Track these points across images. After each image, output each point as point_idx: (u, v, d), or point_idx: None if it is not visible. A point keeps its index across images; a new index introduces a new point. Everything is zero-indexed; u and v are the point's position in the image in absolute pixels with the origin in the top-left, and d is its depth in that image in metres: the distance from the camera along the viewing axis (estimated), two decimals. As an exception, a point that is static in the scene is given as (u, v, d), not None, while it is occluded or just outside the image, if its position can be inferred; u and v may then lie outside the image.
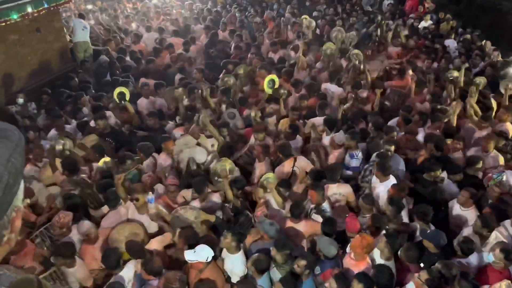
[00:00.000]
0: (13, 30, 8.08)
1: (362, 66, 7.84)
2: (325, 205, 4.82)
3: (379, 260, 4.12)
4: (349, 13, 12.41)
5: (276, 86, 7.21)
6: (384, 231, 4.39)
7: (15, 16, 7.60)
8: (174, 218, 4.55)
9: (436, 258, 4.06)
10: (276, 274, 4.04)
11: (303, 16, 10.82)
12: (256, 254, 4.06)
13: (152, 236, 4.60)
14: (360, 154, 5.68)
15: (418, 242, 4.33)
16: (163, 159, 5.68)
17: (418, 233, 4.54)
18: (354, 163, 5.66)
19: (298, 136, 6.21)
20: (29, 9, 7.82)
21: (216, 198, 4.99)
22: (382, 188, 5.06)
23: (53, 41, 9.16)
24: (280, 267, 4.02)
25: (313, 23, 10.17)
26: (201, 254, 3.87)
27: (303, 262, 3.86)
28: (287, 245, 4.02)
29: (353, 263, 4.12)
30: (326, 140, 6.05)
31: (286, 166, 5.49)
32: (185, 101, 6.96)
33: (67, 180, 5.24)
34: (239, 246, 4.16)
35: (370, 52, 9.27)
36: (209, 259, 3.90)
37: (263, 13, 12.75)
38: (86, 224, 4.46)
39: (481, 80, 7.15)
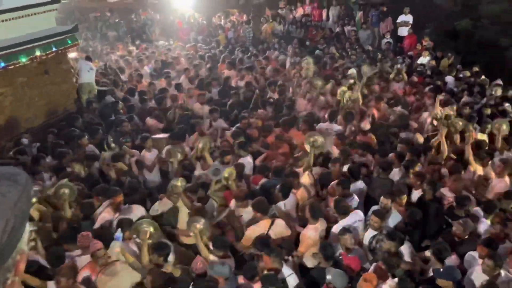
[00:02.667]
0: (21, 73, 8.28)
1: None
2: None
3: None
4: (348, 52, 12.69)
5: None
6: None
7: (24, 59, 7.85)
8: None
9: None
10: None
11: (307, 57, 11.10)
12: None
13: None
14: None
15: (430, 280, 4.22)
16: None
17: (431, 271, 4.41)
18: None
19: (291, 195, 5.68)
20: (38, 53, 8.08)
21: None
22: None
23: (60, 82, 9.37)
24: None
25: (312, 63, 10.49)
26: None
27: None
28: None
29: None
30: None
31: (261, 227, 4.96)
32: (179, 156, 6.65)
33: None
34: None
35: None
36: None
37: (265, 53, 13.07)
38: None
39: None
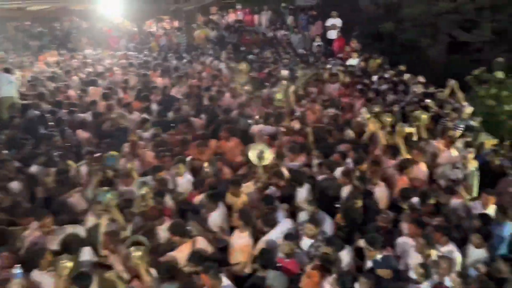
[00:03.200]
0: None
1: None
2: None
3: None
4: (281, 56, 12.92)
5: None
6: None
7: None
8: None
9: (392, 283, 4.20)
10: None
11: (242, 62, 11.13)
12: None
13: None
14: None
15: (371, 272, 4.36)
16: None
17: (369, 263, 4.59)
18: None
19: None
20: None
21: None
22: None
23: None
24: None
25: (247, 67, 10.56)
26: None
27: None
28: None
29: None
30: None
31: (182, 252, 4.70)
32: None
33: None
34: None
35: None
36: None
37: (199, 59, 12.95)
38: None
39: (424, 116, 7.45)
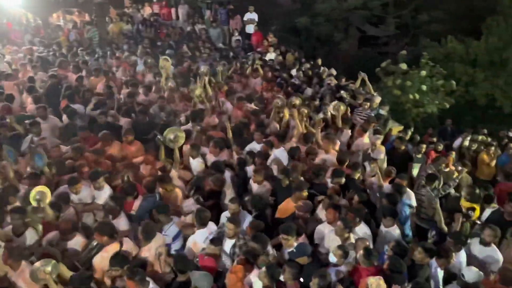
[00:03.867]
0: None
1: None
2: None
3: None
4: (201, 50, 12.75)
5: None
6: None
7: None
8: None
9: (312, 267, 4.32)
10: None
11: (163, 57, 10.72)
12: None
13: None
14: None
15: (293, 261, 4.44)
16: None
17: (287, 254, 4.69)
18: None
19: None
20: None
21: None
22: None
23: None
24: None
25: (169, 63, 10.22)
26: None
27: None
28: None
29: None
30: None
31: (109, 251, 4.46)
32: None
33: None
34: None
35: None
36: None
37: (114, 54, 12.29)
38: None
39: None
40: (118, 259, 4.22)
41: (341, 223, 4.85)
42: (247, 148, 6.78)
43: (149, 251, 4.64)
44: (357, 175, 6.16)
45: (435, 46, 14.58)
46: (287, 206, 5.48)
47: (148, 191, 5.62)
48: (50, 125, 7.53)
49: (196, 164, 6.47)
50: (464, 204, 5.82)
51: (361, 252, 4.43)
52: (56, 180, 5.91)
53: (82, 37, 14.45)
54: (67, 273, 4.24)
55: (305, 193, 5.48)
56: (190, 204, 5.54)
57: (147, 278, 4.11)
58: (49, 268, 4.06)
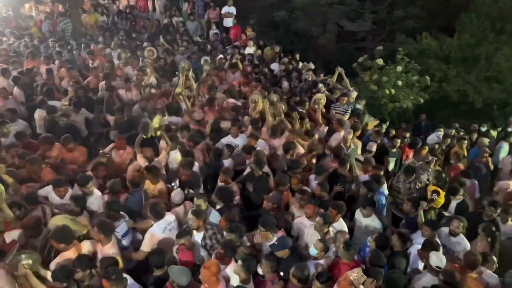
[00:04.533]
0: None
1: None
2: None
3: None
4: (179, 43, 12.58)
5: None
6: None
7: None
8: None
9: (291, 261, 4.35)
10: None
11: (148, 48, 10.51)
12: None
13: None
14: None
15: (271, 255, 4.48)
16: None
17: (265, 246, 4.72)
18: None
19: None
20: None
21: None
22: None
23: None
24: None
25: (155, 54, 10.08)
26: None
27: None
28: None
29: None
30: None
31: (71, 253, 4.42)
32: None
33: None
34: None
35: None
36: None
37: (89, 46, 11.99)
38: None
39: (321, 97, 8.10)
40: (83, 261, 4.15)
41: (321, 219, 4.89)
42: (225, 141, 6.83)
43: (114, 247, 4.58)
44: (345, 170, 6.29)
45: (410, 42, 14.83)
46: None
47: (133, 185, 5.59)
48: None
49: (175, 156, 6.45)
50: (431, 187, 6.14)
51: (341, 245, 4.48)
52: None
53: (55, 29, 14.06)
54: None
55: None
56: (178, 194, 5.50)
57: (124, 275, 4.06)
58: (30, 261, 4.00)
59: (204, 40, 13.75)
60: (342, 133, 7.44)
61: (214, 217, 5.22)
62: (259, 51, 12.50)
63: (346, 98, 8.55)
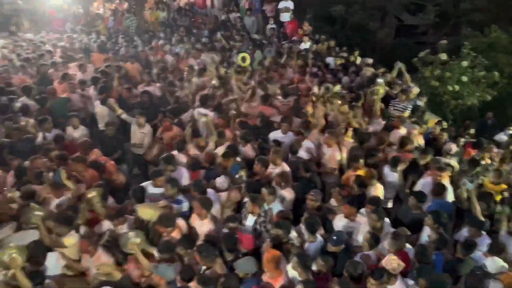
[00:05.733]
0: None
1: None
2: None
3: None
4: (235, 38, 12.79)
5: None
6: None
7: None
8: None
9: (346, 257, 4.40)
10: None
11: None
12: None
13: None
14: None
15: (326, 252, 4.52)
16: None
17: (307, 245, 4.74)
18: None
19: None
20: None
21: None
22: None
23: None
24: None
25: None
26: None
27: None
28: None
29: (270, 282, 4.21)
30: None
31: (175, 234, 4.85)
32: None
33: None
34: None
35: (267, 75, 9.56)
36: None
37: (151, 42, 12.55)
38: None
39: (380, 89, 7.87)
40: (188, 240, 4.53)
41: (375, 215, 4.86)
42: (272, 136, 6.93)
43: (211, 223, 5.02)
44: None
45: (477, 35, 14.00)
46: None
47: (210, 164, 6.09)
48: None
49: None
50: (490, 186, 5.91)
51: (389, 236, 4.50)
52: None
53: (120, 25, 14.84)
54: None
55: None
56: (222, 181, 5.78)
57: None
58: (137, 240, 4.40)
59: (260, 36, 13.87)
60: (402, 130, 7.23)
61: (277, 207, 5.32)
62: (315, 46, 12.41)
63: (405, 95, 8.28)
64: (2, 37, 13.62)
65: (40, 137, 6.89)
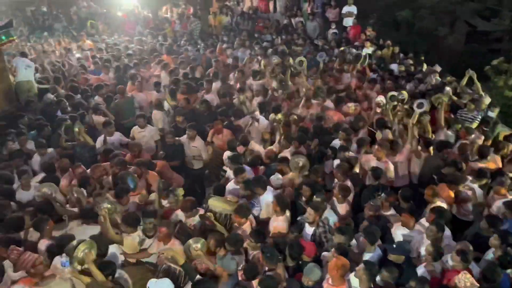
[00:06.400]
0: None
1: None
2: None
3: None
4: (296, 43, 12.80)
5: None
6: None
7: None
8: None
9: (410, 269, 4.33)
10: None
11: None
12: None
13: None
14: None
15: (388, 262, 4.41)
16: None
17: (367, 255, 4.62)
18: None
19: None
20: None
21: None
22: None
23: (-5, 81, 8.77)
24: None
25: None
26: None
27: None
28: None
29: (332, 290, 4.17)
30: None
31: (247, 226, 5.18)
32: None
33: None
34: None
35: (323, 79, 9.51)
36: None
37: (214, 46, 12.90)
38: None
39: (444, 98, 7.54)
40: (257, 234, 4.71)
41: (434, 227, 4.68)
42: (333, 143, 6.82)
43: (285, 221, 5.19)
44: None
45: (560, 43, 12.92)
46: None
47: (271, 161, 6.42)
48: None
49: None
50: None
51: (454, 255, 4.29)
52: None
53: (185, 29, 15.42)
54: None
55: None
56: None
57: None
58: (198, 245, 4.47)
59: (322, 41, 13.77)
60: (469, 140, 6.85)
61: (330, 214, 5.28)
62: (379, 52, 12.09)
63: (474, 104, 7.82)
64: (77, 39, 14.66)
65: (99, 141, 7.25)
